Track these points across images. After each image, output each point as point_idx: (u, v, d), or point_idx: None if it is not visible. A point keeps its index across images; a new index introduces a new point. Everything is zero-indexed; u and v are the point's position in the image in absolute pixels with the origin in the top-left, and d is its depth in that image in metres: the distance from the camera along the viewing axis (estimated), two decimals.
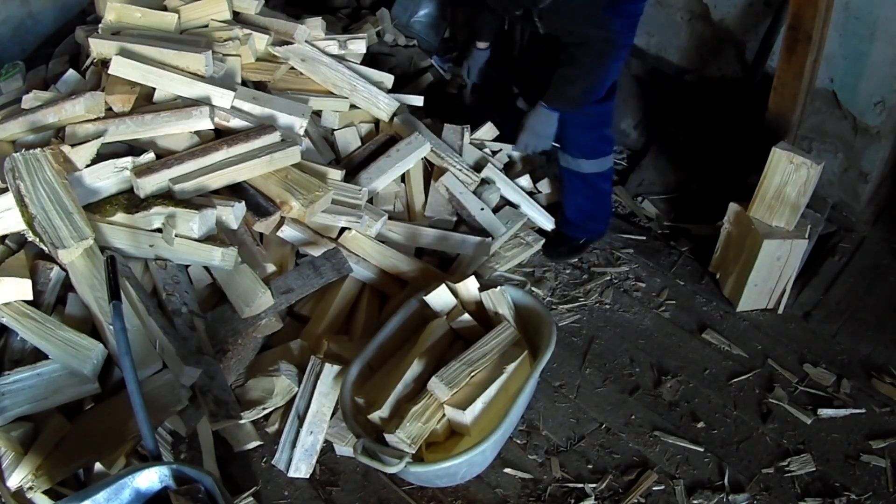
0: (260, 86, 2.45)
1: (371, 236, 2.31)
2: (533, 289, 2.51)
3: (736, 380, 2.21)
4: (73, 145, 1.99)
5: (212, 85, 2.19)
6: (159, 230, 1.96)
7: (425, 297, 2.07)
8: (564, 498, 1.94)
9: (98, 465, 1.75)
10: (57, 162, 1.92)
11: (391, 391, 1.89)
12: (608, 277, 2.56)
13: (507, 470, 2.00)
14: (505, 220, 2.54)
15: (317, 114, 2.53)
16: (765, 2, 2.65)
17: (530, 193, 2.67)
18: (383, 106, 2.57)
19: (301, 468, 1.98)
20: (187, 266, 2.06)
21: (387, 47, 3.23)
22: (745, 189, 2.33)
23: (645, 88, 3.07)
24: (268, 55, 2.52)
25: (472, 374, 1.87)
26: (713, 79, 2.94)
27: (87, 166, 1.98)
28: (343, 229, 2.30)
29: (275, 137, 2.19)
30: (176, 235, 1.96)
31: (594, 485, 1.96)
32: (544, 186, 2.74)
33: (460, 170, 2.54)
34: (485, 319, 2.08)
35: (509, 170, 2.72)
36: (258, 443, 2.04)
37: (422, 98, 2.73)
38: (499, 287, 2.05)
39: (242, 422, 2.02)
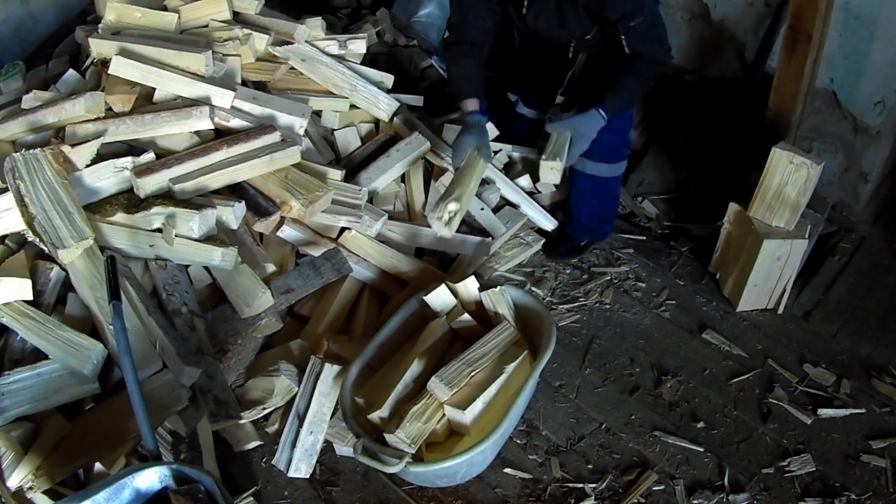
0: (260, 86, 2.45)
1: (371, 236, 2.31)
2: (533, 289, 2.51)
3: (736, 380, 2.21)
4: (73, 145, 1.99)
5: (212, 85, 2.19)
6: (159, 230, 1.96)
7: (425, 297, 2.07)
8: (564, 498, 1.94)
9: (98, 465, 1.75)
10: (57, 162, 1.92)
11: (391, 391, 1.89)
12: (608, 277, 2.56)
13: (507, 470, 2.00)
14: (505, 220, 2.54)
15: (317, 114, 2.53)
16: (765, 2, 2.65)
17: (530, 193, 2.67)
18: (383, 106, 2.57)
19: (301, 468, 1.98)
20: (187, 266, 2.06)
21: (387, 47, 3.23)
22: (745, 189, 2.33)
23: None
24: (268, 55, 2.52)
25: (472, 374, 1.87)
26: (713, 79, 2.94)
27: (87, 166, 1.98)
28: (343, 229, 2.30)
29: (275, 137, 2.19)
30: (176, 235, 1.96)
31: (594, 485, 1.96)
32: (544, 186, 2.74)
33: None
34: (485, 319, 2.08)
35: (509, 170, 2.72)
36: (258, 443, 2.04)
37: (422, 98, 2.73)
38: (499, 287, 2.05)
39: (242, 422, 2.02)
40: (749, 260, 2.30)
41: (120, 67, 2.14)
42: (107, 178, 2.01)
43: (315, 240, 2.25)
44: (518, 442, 2.07)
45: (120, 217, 1.95)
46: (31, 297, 1.84)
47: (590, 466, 2.01)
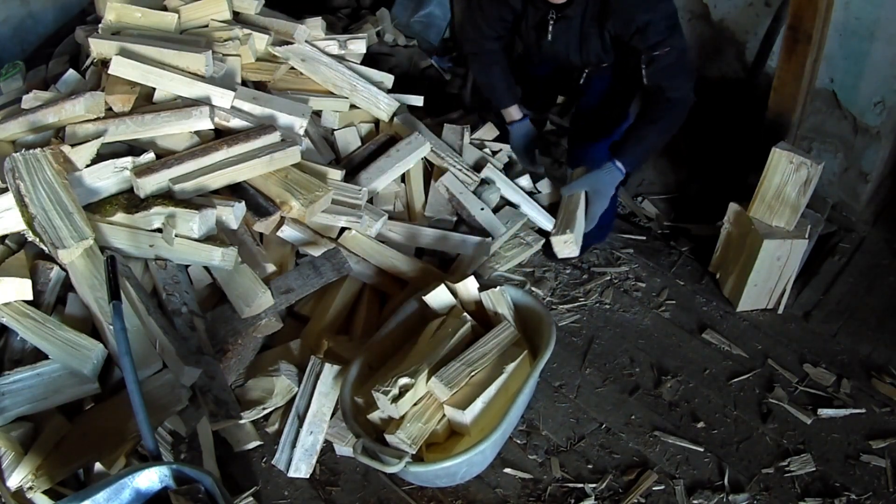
0: (260, 86, 2.45)
1: (371, 236, 2.31)
2: (533, 289, 2.51)
3: (736, 380, 2.21)
4: (73, 145, 1.99)
5: (212, 85, 2.19)
6: (159, 230, 1.96)
7: (425, 297, 2.07)
8: (564, 498, 1.94)
9: (98, 465, 1.75)
10: (57, 162, 1.92)
11: None
12: (608, 277, 2.56)
13: (507, 470, 2.00)
14: (505, 220, 2.54)
15: (317, 114, 2.53)
16: (765, 2, 2.65)
17: (530, 193, 2.67)
18: (383, 106, 2.57)
19: (301, 468, 1.98)
20: (187, 266, 2.06)
21: (387, 47, 3.24)
22: (745, 189, 2.33)
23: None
24: (268, 55, 2.52)
25: (472, 374, 1.87)
26: (713, 79, 2.94)
27: (87, 166, 1.98)
28: (343, 229, 2.30)
29: (275, 137, 2.19)
30: (176, 235, 1.96)
31: (594, 485, 1.96)
32: (544, 186, 2.74)
33: (460, 170, 2.54)
34: (485, 319, 2.08)
35: (509, 170, 2.72)
36: (258, 443, 2.04)
37: (422, 98, 2.73)
38: (498, 287, 2.05)
39: (242, 422, 2.02)
40: (749, 260, 2.30)
41: (120, 67, 2.14)
42: (107, 178, 2.01)
43: (315, 240, 2.25)
44: (518, 442, 2.07)
45: (120, 217, 1.95)
46: (31, 297, 1.84)
47: (590, 466, 2.01)
